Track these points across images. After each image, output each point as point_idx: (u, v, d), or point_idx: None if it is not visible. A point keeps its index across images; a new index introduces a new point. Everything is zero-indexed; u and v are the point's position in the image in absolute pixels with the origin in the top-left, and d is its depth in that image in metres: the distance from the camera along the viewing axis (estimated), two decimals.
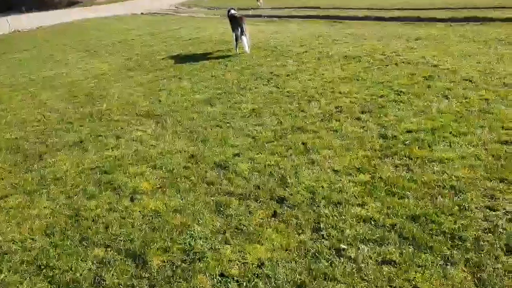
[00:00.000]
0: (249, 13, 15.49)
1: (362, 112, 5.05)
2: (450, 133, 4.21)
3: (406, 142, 4.12)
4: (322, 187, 3.56)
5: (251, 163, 4.17)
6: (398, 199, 3.25)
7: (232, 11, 9.76)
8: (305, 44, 9.36)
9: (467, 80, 5.68)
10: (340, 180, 3.63)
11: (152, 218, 3.48)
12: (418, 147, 4.00)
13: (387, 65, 6.91)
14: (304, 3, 18.32)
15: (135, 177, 4.23)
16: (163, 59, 10.18)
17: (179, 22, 17.18)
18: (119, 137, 5.50)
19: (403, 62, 6.95)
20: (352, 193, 3.41)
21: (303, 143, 4.42)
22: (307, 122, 5.00)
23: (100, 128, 5.97)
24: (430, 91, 5.44)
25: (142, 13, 24.69)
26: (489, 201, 3.08)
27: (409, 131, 4.38)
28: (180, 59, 9.86)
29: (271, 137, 4.73)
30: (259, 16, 16.23)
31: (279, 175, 3.84)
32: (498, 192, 3.17)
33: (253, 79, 7.30)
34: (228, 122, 5.42)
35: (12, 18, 29.12)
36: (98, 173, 4.47)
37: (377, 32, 10.02)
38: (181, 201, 3.68)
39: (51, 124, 6.37)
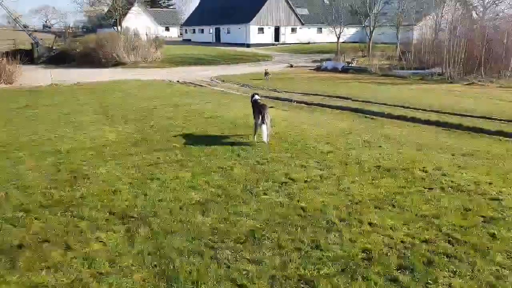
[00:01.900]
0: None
1: (400, 269, 3.56)
2: None
3: None
4: None
5: None
6: None
7: (256, 97, 8.91)
8: (331, 142, 8.16)
9: None
10: None
11: None
12: None
13: (431, 189, 5.49)
14: (335, 91, 17.69)
15: None
16: (175, 136, 9.23)
17: (207, 96, 16.76)
18: (70, 247, 4.19)
19: (451, 187, 5.51)
20: None
21: None
22: (321, 272, 3.54)
23: (57, 226, 4.72)
24: (495, 245, 3.92)
25: (178, 81, 25.00)
26: None
27: None
28: (193, 139, 8.87)
29: None
30: (289, 100, 15.55)
31: None
32: None
33: (263, 180, 6.04)
34: (213, 248, 4.04)
35: (57, 71, 30.45)
36: None
37: (414, 137, 8.76)
38: None
39: (3, 210, 5.19)
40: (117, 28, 45.84)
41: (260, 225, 4.51)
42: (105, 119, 11.95)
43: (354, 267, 3.61)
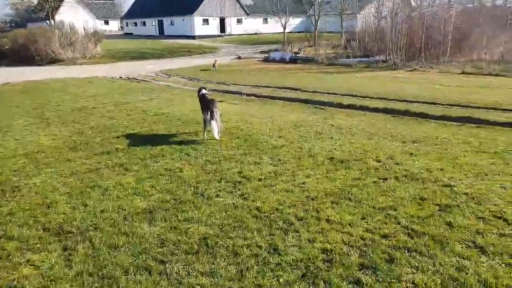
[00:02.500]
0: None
1: (362, 268, 3.40)
2: None
3: None
4: None
5: None
6: None
7: (204, 91, 8.48)
8: (284, 136, 7.98)
9: (500, 218, 4.20)
10: None
11: None
12: None
13: (385, 179, 5.45)
14: (284, 83, 17.66)
15: None
16: (118, 137, 8.56)
17: (152, 92, 15.96)
18: None
19: (405, 176, 5.52)
20: None
21: None
22: (281, 280, 3.29)
23: None
24: (453, 234, 3.90)
25: (120, 77, 23.73)
26: None
27: None
28: (137, 139, 8.28)
29: None
30: (239, 93, 15.24)
31: None
32: None
33: (215, 180, 5.69)
34: (163, 262, 3.65)
35: None
36: None
37: (365, 126, 8.83)
38: None
39: None
40: (49, 22, 42.65)
41: (214, 232, 4.18)
42: (40, 121, 10.91)
43: (315, 271, 3.40)
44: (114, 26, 69.28)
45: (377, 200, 4.74)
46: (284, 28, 38.47)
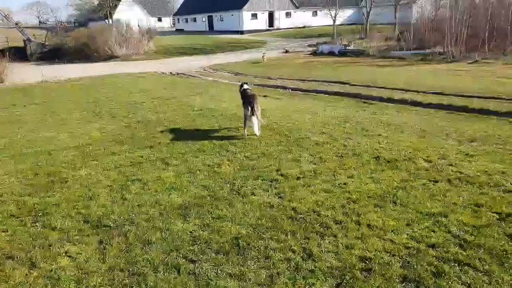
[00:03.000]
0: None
1: (404, 281, 3.08)
2: None
3: None
4: None
5: None
6: None
7: (245, 86, 8.36)
8: (327, 132, 7.64)
9: None
10: None
11: None
12: None
13: (436, 181, 4.99)
14: (332, 76, 17.08)
15: None
16: (161, 131, 8.71)
17: (199, 87, 16.16)
18: (35, 265, 3.74)
19: (458, 179, 5.01)
20: None
21: None
22: None
23: (24, 239, 4.26)
24: None
25: (170, 73, 24.39)
26: None
27: None
28: (179, 134, 8.36)
29: None
30: (284, 87, 14.99)
31: None
32: None
33: (252, 177, 5.54)
34: (193, 262, 3.57)
35: (49, 68, 29.80)
36: None
37: (416, 122, 8.23)
38: None
39: None
40: (108, 21, 44.93)
41: (246, 232, 4.04)
42: (93, 116, 11.40)
43: (351, 280, 3.13)
44: (166, 22, 71.59)
45: (425, 204, 4.33)
46: (334, 20, 37.39)
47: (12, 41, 39.54)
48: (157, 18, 67.52)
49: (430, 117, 8.88)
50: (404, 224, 3.95)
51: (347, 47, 29.26)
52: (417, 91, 12.40)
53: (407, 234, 3.75)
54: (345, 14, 46.88)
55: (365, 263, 3.36)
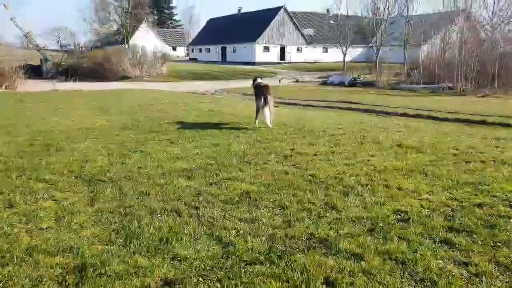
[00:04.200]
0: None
1: (452, 230, 2.55)
2: None
3: None
4: None
5: None
6: None
7: (258, 80, 8.04)
8: (344, 128, 7.22)
9: None
10: None
11: None
12: None
13: (468, 162, 4.49)
14: (343, 99, 16.85)
15: None
16: (169, 123, 8.33)
17: (210, 99, 15.99)
18: (12, 205, 3.24)
19: (493, 161, 4.52)
20: None
21: (326, 283, 1.93)
22: (341, 232, 2.55)
23: (5, 186, 3.77)
24: None
25: (182, 91, 24.42)
26: None
27: None
28: (188, 125, 7.96)
29: (258, 250, 2.30)
30: (294, 104, 14.74)
31: None
32: None
33: (265, 153, 5.07)
34: (195, 208, 3.06)
35: (62, 83, 30.07)
36: None
37: (436, 127, 7.80)
38: None
39: None
40: (124, 45, 45.98)
41: (258, 189, 3.53)
42: (101, 113, 11.07)
43: (386, 227, 2.60)
44: (181, 52, 73.28)
45: (460, 176, 3.83)
46: (344, 55, 37.93)
47: (29, 60, 40.32)
48: (172, 47, 69.23)
49: (450, 125, 8.45)
50: (440, 189, 3.43)
51: (357, 79, 29.34)
52: (432, 110, 12.04)
53: (446, 196, 3.23)
54: (355, 52, 47.68)
55: (400, 215, 2.84)
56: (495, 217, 2.76)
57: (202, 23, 67.01)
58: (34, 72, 34.28)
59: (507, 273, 2.06)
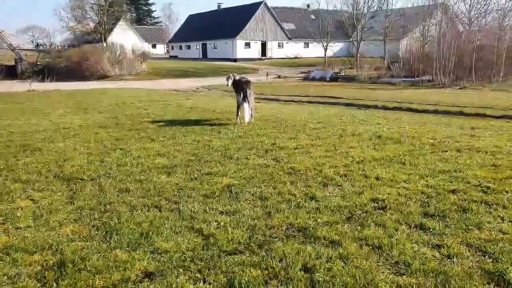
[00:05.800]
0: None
1: (426, 215, 2.63)
2: None
3: None
4: None
5: None
6: None
7: (237, 76, 7.99)
8: (324, 121, 7.30)
9: None
10: None
11: None
12: None
13: (445, 151, 4.62)
14: (325, 93, 17.01)
15: None
16: (149, 121, 8.25)
17: (190, 95, 15.89)
18: None
19: (468, 149, 4.66)
20: None
21: (305, 269, 1.97)
22: (320, 221, 2.60)
23: None
24: None
25: (163, 89, 24.16)
26: None
27: None
28: (168, 122, 7.91)
29: (239, 240, 2.32)
30: (277, 100, 14.79)
31: None
32: None
33: (246, 148, 5.09)
34: (176, 202, 3.06)
35: (39, 84, 29.29)
36: None
37: (415, 119, 7.97)
38: None
39: None
40: (102, 44, 45.13)
41: (239, 182, 3.56)
42: (78, 112, 10.88)
43: (363, 215, 2.67)
44: (160, 49, 72.41)
45: (436, 164, 3.94)
46: (325, 49, 38.22)
47: (2, 60, 39.10)
48: (151, 45, 68.33)
49: (428, 117, 8.64)
50: (417, 178, 3.52)
51: (338, 74, 29.63)
52: (411, 102, 12.29)
53: (422, 184, 3.32)
54: (336, 47, 48.09)
55: (378, 203, 2.91)
56: (468, 202, 2.86)
57: (182, 20, 66.31)
58: (9, 72, 33.34)
59: (478, 253, 2.14)
